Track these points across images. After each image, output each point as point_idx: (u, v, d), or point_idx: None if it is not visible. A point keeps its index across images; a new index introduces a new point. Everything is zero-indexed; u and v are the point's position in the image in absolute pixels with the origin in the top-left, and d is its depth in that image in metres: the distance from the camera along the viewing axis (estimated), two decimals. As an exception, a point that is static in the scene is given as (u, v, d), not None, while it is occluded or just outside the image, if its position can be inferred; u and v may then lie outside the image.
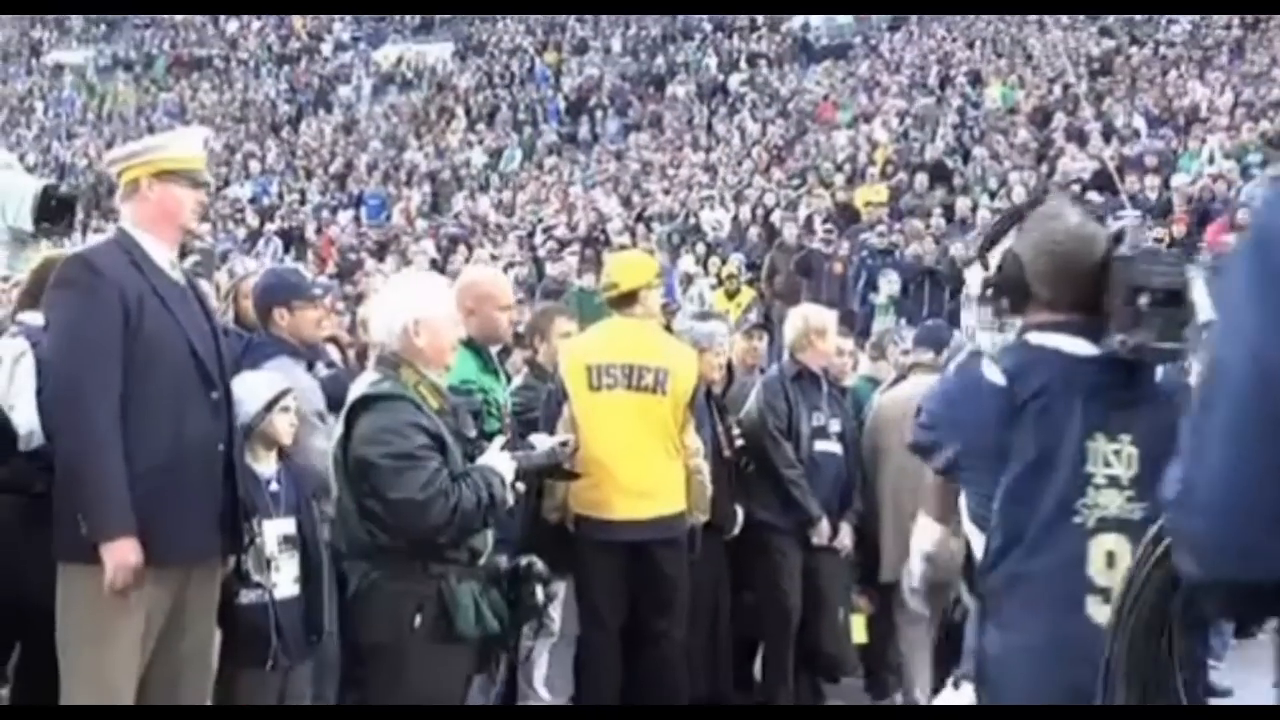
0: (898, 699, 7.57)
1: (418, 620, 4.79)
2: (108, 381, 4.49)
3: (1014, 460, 3.32)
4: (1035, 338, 3.45)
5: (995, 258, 3.52)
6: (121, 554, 4.41)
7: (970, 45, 28.50)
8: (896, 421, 6.80)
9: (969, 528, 3.50)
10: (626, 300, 6.64)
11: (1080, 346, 3.39)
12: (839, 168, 22.49)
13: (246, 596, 5.17)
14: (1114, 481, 3.31)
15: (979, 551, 3.45)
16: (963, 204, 19.09)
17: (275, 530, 5.27)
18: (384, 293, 5.36)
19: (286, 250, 23.81)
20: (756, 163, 24.69)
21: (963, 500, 3.53)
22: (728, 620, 7.30)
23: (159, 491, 4.51)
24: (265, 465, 5.36)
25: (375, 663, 4.96)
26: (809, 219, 19.65)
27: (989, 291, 3.55)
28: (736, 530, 7.23)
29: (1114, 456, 3.32)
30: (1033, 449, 3.31)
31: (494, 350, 6.22)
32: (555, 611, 6.28)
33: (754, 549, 7.31)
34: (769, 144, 25.59)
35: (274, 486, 5.34)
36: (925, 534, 5.37)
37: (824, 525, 7.31)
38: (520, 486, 5.15)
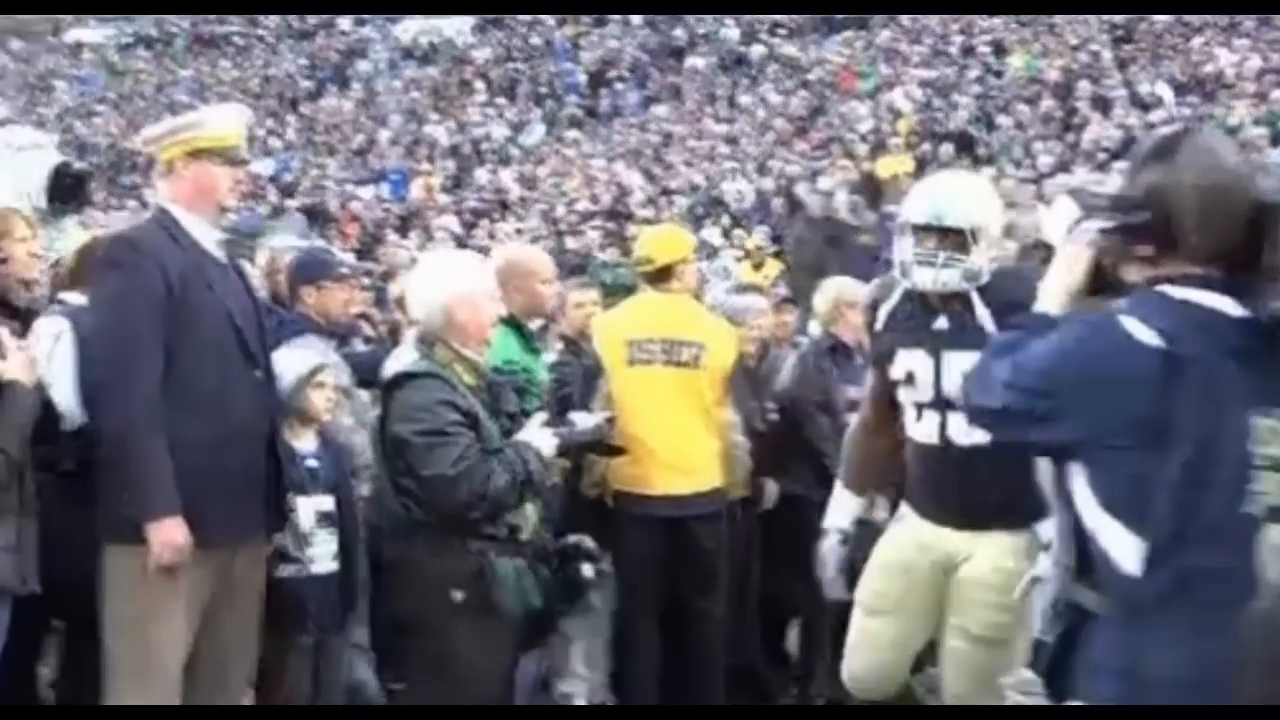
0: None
1: (458, 596, 4.80)
2: (150, 360, 4.50)
3: (1179, 437, 2.77)
4: (1177, 292, 2.89)
5: (1138, 193, 2.97)
6: (167, 533, 4.42)
7: (992, 13, 28.32)
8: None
9: (1099, 518, 2.89)
10: (662, 275, 6.61)
11: (1227, 305, 2.88)
12: (863, 138, 22.40)
13: (284, 571, 5.20)
14: (1276, 464, 2.80)
15: (1119, 547, 2.85)
16: (987, 174, 18.99)
17: (312, 506, 5.30)
18: (421, 270, 5.36)
19: (309, 227, 23.79)
20: (779, 134, 24.60)
21: (1082, 485, 2.91)
22: (756, 593, 7.29)
23: (203, 470, 4.52)
24: (303, 441, 5.38)
25: (417, 639, 4.96)
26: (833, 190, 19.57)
27: (1122, 236, 2.98)
28: (770, 504, 7.21)
29: (1271, 435, 2.81)
30: (1200, 423, 2.78)
31: (534, 326, 6.21)
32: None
33: (789, 523, 7.28)
34: (791, 115, 25.50)
35: (311, 463, 5.37)
36: (843, 509, 5.18)
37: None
38: (565, 463, 5.16)
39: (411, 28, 37.24)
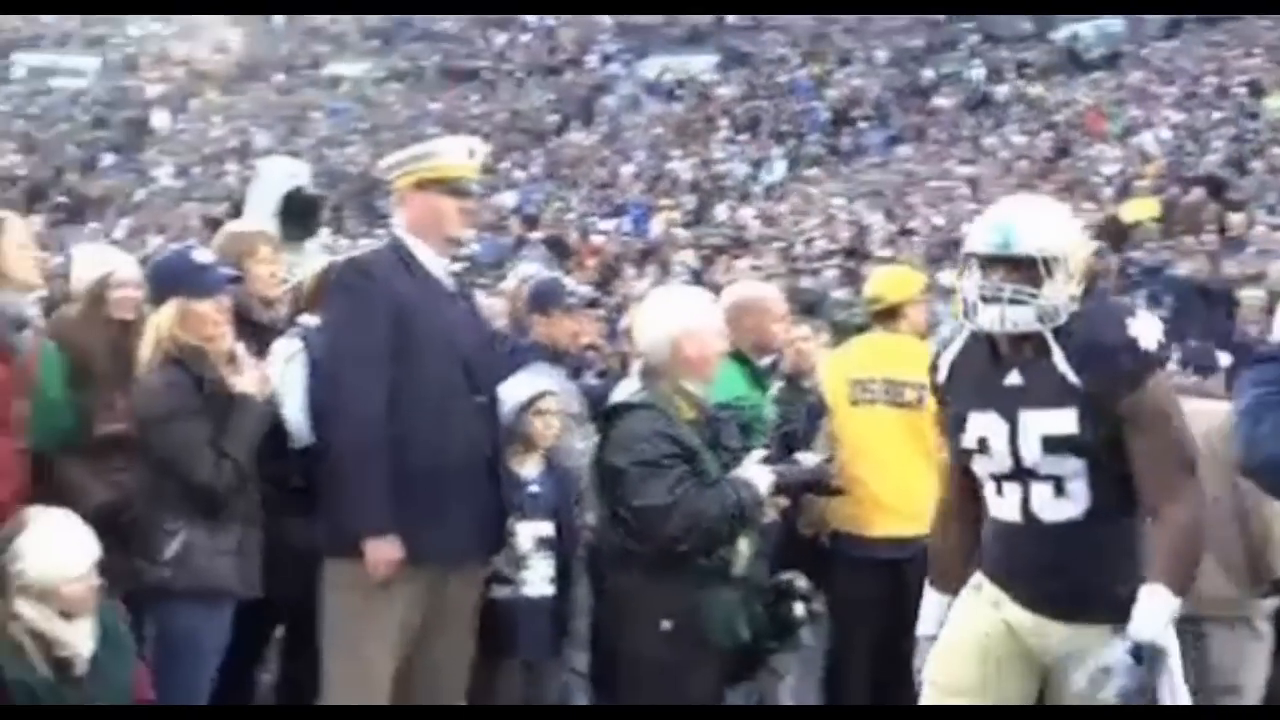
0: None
1: (667, 626, 4.82)
2: (374, 383, 4.64)
3: None
4: None
5: None
6: (382, 550, 4.56)
7: (1249, 53, 27.50)
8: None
9: None
10: (890, 314, 6.57)
11: None
12: (1108, 181, 21.93)
13: (498, 593, 5.29)
14: None
15: None
16: (1238, 220, 18.39)
17: (531, 531, 5.38)
18: (649, 304, 5.41)
19: (550, 259, 24.14)
20: (1022, 176, 24.22)
21: None
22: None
23: (422, 491, 4.63)
24: (527, 467, 5.47)
25: (626, 668, 4.99)
26: (1076, 233, 19.18)
27: None
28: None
29: None
30: None
31: (764, 363, 6.20)
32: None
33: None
34: (1035, 156, 25.09)
35: (534, 488, 5.44)
36: (933, 614, 4.42)
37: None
38: (783, 500, 5.14)
39: (656, 64, 37.68)
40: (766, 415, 6.04)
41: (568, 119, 36.20)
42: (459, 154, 4.98)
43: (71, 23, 48.44)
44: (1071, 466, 3.96)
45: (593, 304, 7.93)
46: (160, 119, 41.20)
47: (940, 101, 30.76)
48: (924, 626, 4.43)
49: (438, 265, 4.91)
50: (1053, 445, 3.96)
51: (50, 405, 4.99)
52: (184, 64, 45.78)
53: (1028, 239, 3.99)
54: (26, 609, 4.23)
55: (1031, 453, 3.98)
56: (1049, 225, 4.07)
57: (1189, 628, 4.01)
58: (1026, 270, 3.96)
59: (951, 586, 4.35)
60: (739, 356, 5.76)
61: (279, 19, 48.27)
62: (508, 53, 42.34)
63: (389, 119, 38.07)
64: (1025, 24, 33.74)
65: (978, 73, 31.63)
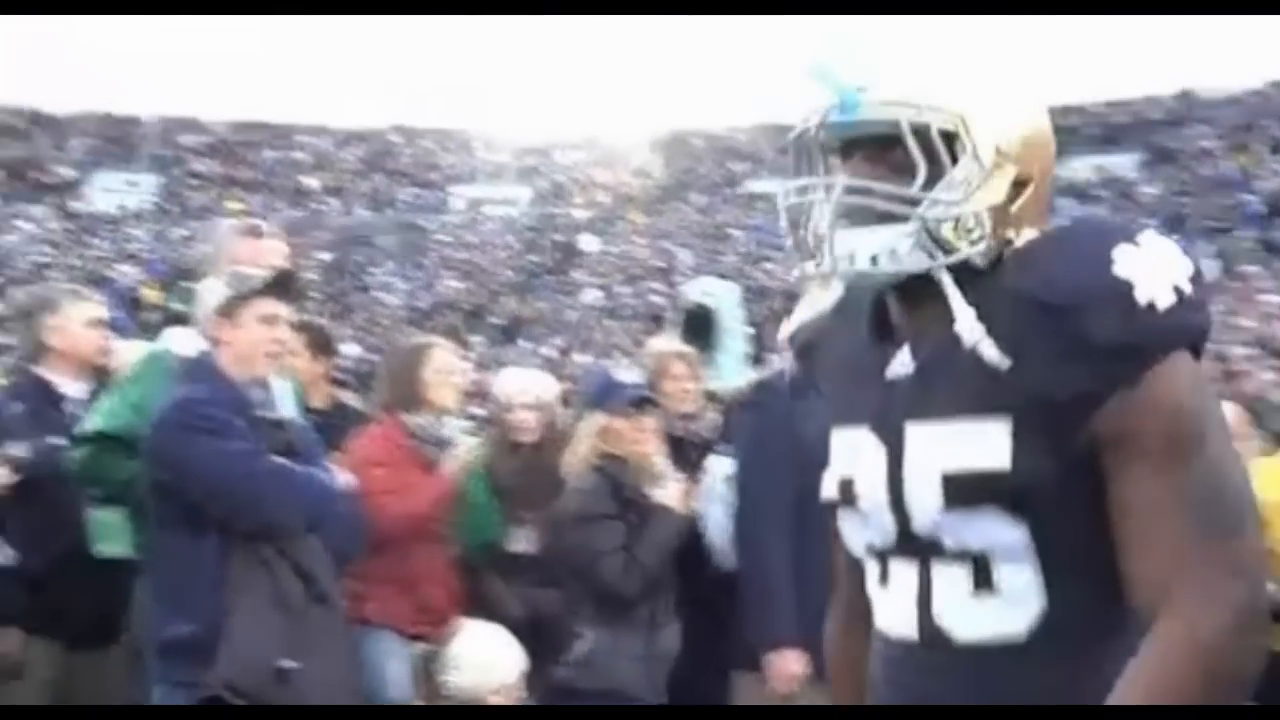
0: None
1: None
2: (778, 496, 4.64)
3: None
4: None
5: None
6: (785, 663, 4.55)
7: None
8: None
9: None
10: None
11: None
12: None
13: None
14: None
15: None
16: None
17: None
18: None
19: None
20: None
21: None
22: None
23: (826, 605, 4.59)
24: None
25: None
26: None
27: None
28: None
29: None
30: None
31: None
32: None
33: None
34: None
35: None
36: None
37: None
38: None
39: (1078, 165, 37.05)
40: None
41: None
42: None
43: (504, 156, 51.09)
44: (1000, 535, 1.99)
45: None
46: (587, 242, 42.84)
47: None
48: None
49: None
50: (963, 493, 2.00)
51: (476, 517, 5.26)
52: (608, 188, 47.59)
53: (891, 91, 2.02)
54: (456, 715, 4.41)
55: (925, 506, 2.05)
56: (936, 68, 2.06)
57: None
58: (898, 156, 2.02)
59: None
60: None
61: (699, 142, 49.63)
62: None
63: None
64: None
65: None
